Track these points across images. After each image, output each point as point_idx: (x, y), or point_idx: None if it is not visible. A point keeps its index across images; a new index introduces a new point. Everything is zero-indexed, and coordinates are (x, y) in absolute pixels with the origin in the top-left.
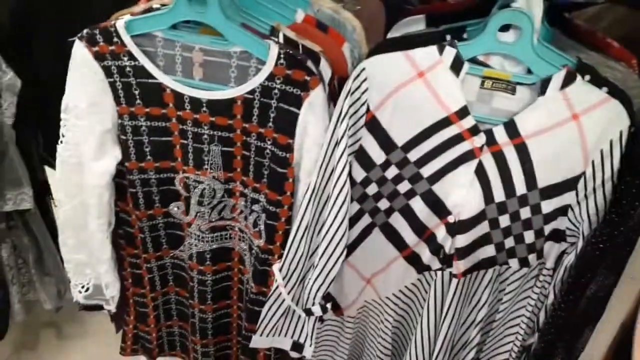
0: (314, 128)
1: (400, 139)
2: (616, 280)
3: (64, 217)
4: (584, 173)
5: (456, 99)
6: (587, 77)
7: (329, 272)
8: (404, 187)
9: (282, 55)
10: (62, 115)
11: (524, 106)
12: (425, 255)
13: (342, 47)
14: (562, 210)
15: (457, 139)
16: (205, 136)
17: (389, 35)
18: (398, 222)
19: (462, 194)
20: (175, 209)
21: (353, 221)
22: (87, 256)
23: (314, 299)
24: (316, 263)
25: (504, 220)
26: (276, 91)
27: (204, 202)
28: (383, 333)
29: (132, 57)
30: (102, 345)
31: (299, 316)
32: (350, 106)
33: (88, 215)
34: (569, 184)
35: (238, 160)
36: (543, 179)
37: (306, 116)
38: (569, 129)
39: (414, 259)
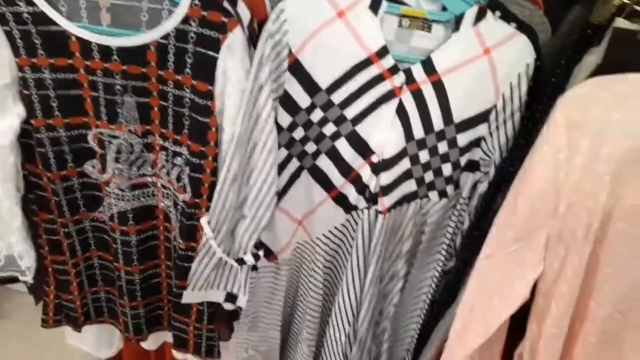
0: (235, 73)
1: (323, 82)
2: None
3: None
4: (495, 106)
5: (376, 39)
6: (498, 14)
7: (260, 220)
8: (329, 129)
9: None
10: None
11: (439, 44)
12: (352, 195)
13: None
14: (476, 142)
15: (378, 79)
16: (118, 87)
17: None
18: (325, 164)
19: (384, 133)
20: (91, 167)
21: (281, 167)
22: None
23: (246, 248)
24: (246, 212)
25: (424, 156)
26: (192, 35)
27: (121, 159)
28: (315, 273)
29: (29, 1)
30: (19, 323)
31: (231, 267)
32: (271, 49)
33: None
34: (482, 117)
35: (155, 112)
36: (458, 114)
37: (225, 60)
38: (481, 64)
39: (341, 200)
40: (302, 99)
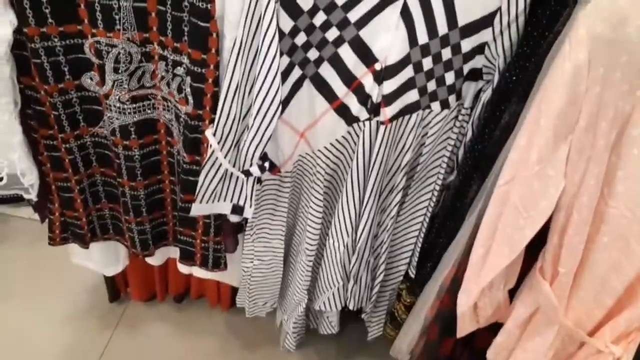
0: None
1: None
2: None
3: None
4: (499, 8)
5: None
6: None
7: (265, 130)
8: (332, 34)
9: None
10: None
11: None
12: (354, 106)
13: None
14: (480, 48)
15: None
16: None
17: None
18: (327, 72)
19: (388, 38)
20: (89, 80)
21: (284, 75)
22: None
23: (252, 159)
24: (251, 123)
25: (427, 63)
26: None
27: (120, 69)
28: (316, 185)
29: None
30: (23, 246)
31: (237, 179)
32: None
33: None
34: (486, 21)
35: (153, 17)
36: (463, 17)
37: None
38: None
39: (343, 111)
40: (305, 1)
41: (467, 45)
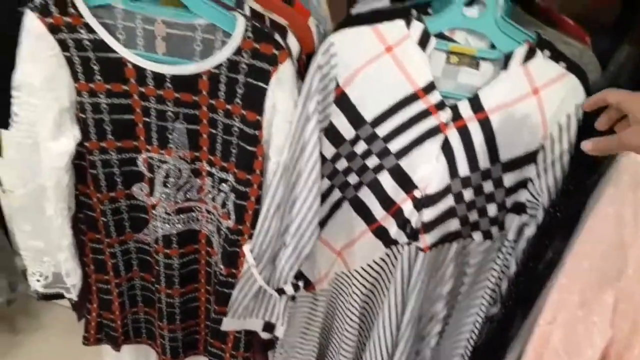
0: (283, 104)
1: (368, 115)
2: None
3: (18, 203)
4: (543, 146)
5: (423, 74)
6: (547, 53)
7: (302, 250)
8: (372, 161)
9: (249, 28)
10: (14, 93)
11: (487, 81)
12: (393, 230)
13: (308, 21)
14: (523, 183)
15: (423, 115)
16: (170, 113)
17: (353, 11)
18: (367, 196)
19: (428, 168)
20: (139, 190)
21: (324, 197)
22: (46, 243)
23: (287, 277)
24: (288, 242)
25: (468, 194)
26: (244, 65)
27: (169, 183)
28: (351, 306)
29: (90, 29)
30: (59, 337)
31: (271, 296)
32: (319, 81)
33: (45, 200)
34: (530, 157)
35: (204, 139)
36: (505, 153)
37: (275, 92)
38: (529, 103)
39: (381, 233)
40: (347, 131)
41: (509, 179)
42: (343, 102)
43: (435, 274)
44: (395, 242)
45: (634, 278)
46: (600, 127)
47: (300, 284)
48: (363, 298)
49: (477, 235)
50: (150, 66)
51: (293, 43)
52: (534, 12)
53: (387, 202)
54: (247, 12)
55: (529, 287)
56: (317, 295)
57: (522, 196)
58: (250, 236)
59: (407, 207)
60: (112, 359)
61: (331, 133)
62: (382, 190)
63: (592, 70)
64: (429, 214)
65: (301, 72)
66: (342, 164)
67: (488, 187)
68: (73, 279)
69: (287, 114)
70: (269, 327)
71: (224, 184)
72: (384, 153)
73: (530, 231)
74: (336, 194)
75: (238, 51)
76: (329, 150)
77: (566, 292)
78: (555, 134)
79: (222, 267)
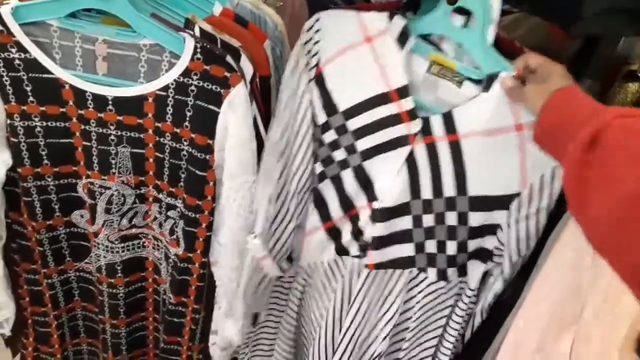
0: (236, 127)
1: (342, 104)
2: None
3: None
4: (519, 194)
5: (398, 76)
6: None
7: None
8: (339, 155)
9: (198, 50)
10: None
11: (467, 99)
12: (346, 235)
13: (263, 44)
14: (491, 229)
15: (394, 119)
16: (112, 137)
17: None
18: (328, 190)
19: (388, 179)
20: (79, 217)
21: None
22: None
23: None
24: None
25: (428, 220)
26: (193, 88)
27: (113, 210)
28: (291, 303)
29: (21, 48)
30: None
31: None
32: (304, 57)
33: None
34: (502, 201)
35: (150, 163)
36: (474, 187)
37: (227, 115)
38: (509, 140)
39: (334, 234)
40: (320, 115)
41: (476, 218)
42: (320, 83)
43: (378, 301)
44: (346, 252)
45: (591, 323)
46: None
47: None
48: (300, 299)
49: (432, 272)
50: (90, 88)
51: (246, 65)
52: (497, 45)
53: (347, 204)
54: (197, 32)
55: (486, 327)
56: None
57: (489, 243)
58: (202, 264)
59: (364, 216)
60: None
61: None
62: (343, 188)
63: None
64: (381, 228)
65: (254, 95)
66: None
67: (451, 219)
68: (6, 313)
69: (240, 138)
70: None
71: (172, 210)
72: (351, 149)
73: (497, 286)
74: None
75: (186, 73)
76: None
77: (523, 335)
78: (536, 185)
79: (171, 295)
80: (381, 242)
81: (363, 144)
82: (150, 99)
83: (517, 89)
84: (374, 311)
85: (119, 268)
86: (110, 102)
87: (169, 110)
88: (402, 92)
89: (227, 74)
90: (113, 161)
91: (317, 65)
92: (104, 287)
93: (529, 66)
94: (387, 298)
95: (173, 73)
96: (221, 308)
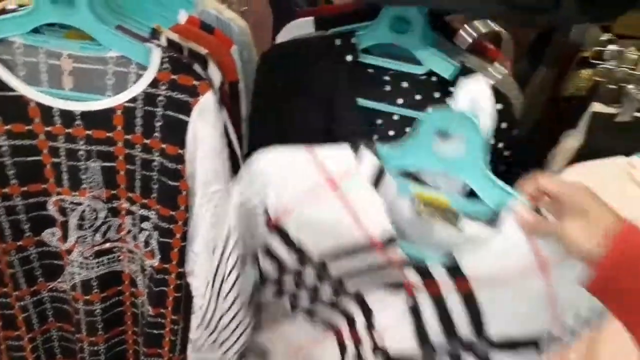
0: (207, 136)
1: (316, 252)
2: None
3: None
4: (550, 332)
5: (379, 225)
6: None
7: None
8: (325, 294)
9: (165, 60)
10: None
11: (471, 239)
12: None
13: (230, 50)
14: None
15: (384, 266)
16: (82, 152)
17: (278, 39)
18: (328, 312)
19: (391, 323)
20: (51, 236)
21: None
22: None
23: None
24: None
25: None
26: (161, 98)
27: (85, 225)
28: None
29: None
30: None
31: None
32: (240, 217)
33: None
34: (531, 343)
35: (121, 176)
36: (496, 330)
37: (197, 123)
38: (532, 283)
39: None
40: (290, 262)
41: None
42: (280, 234)
43: None
44: None
45: None
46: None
47: None
48: None
49: None
50: (56, 103)
51: (214, 72)
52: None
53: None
54: (164, 42)
55: None
56: None
57: None
58: (178, 275)
59: (366, 345)
60: None
61: (270, 256)
62: (347, 312)
63: (514, 95)
64: None
65: (224, 101)
66: (289, 286)
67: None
68: None
69: (211, 146)
70: None
71: (146, 222)
72: (339, 291)
73: None
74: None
75: (154, 83)
76: (273, 273)
77: None
78: (569, 323)
79: (149, 307)
80: None
81: (353, 286)
82: (119, 112)
83: (540, 223)
84: None
85: (94, 284)
86: (78, 117)
87: (138, 121)
88: (387, 243)
89: (195, 83)
90: (83, 176)
91: (268, 218)
92: (80, 305)
93: (541, 190)
94: None
95: (141, 84)
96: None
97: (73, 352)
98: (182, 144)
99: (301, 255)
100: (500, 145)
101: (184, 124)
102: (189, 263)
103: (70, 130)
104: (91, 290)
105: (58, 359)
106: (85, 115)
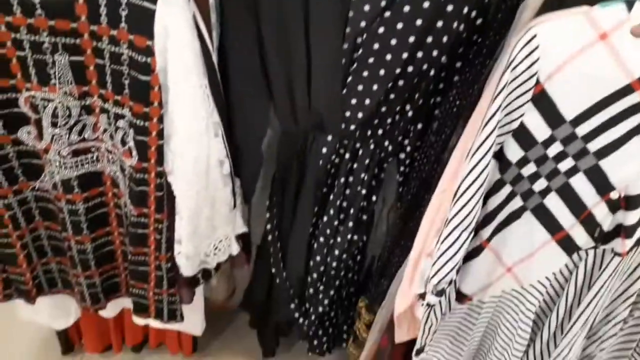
0: (175, 26)
1: (570, 113)
2: None
3: None
4: None
5: None
6: None
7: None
8: (566, 164)
9: None
10: None
11: None
12: (581, 237)
13: None
14: None
15: (636, 108)
16: (47, 45)
17: None
18: (554, 203)
19: (634, 167)
20: (26, 134)
21: (502, 204)
22: None
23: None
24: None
25: None
26: None
27: (59, 123)
28: (523, 324)
29: None
30: None
31: None
32: (513, 80)
33: None
34: None
35: (91, 71)
36: None
37: (164, 12)
38: None
39: (566, 243)
40: (541, 132)
41: None
42: (541, 99)
43: (623, 275)
44: (579, 249)
45: None
46: None
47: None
48: (535, 314)
49: None
50: None
51: None
52: None
53: (578, 208)
54: None
55: None
56: (474, 308)
57: None
58: (157, 174)
59: (601, 212)
60: (28, 313)
61: (521, 135)
62: (573, 195)
63: None
64: (633, 217)
65: None
66: (529, 169)
67: None
68: None
69: (182, 38)
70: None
71: (121, 120)
72: (581, 153)
73: None
74: (516, 203)
75: None
76: (516, 154)
77: (459, 163)
78: None
79: (132, 207)
80: (633, 229)
81: (597, 145)
82: (81, 0)
83: None
84: (618, 288)
85: (74, 183)
86: (37, 6)
87: (103, 11)
88: None
89: None
90: (51, 71)
91: (537, 83)
92: (63, 204)
93: None
94: (632, 271)
95: None
96: (182, 218)
97: (63, 251)
98: (150, 34)
99: (555, 119)
100: None
101: (151, 13)
102: (167, 162)
103: (31, 21)
104: (72, 190)
105: (49, 257)
106: (45, 4)
